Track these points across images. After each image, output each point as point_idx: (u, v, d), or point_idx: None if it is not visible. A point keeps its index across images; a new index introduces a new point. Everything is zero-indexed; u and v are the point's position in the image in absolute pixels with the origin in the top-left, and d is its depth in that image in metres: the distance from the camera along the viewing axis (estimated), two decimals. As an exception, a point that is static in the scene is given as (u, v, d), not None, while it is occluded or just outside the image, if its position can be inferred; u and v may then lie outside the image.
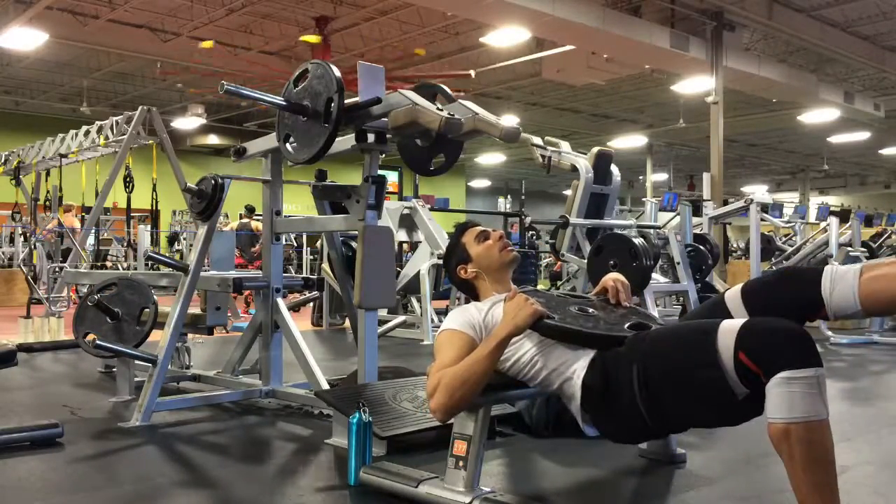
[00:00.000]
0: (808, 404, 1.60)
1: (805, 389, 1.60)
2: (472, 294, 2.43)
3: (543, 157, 6.18)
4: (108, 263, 12.60)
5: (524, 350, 2.08)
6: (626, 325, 2.10)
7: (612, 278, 2.31)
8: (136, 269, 9.84)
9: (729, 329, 1.72)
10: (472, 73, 12.29)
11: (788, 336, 1.66)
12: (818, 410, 1.61)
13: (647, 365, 1.85)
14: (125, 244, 12.26)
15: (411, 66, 13.00)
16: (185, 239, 16.77)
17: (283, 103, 2.95)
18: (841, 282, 1.83)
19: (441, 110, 2.80)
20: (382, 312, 6.70)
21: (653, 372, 1.84)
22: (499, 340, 1.96)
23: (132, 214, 8.29)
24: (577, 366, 2.00)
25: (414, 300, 7.61)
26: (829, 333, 6.55)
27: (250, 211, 11.56)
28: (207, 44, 11.31)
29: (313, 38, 11.60)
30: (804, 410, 1.59)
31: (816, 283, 1.86)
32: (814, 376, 1.61)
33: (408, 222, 7.22)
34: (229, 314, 4.41)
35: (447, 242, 2.59)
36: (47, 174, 7.99)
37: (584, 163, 6.19)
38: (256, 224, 10.68)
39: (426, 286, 6.57)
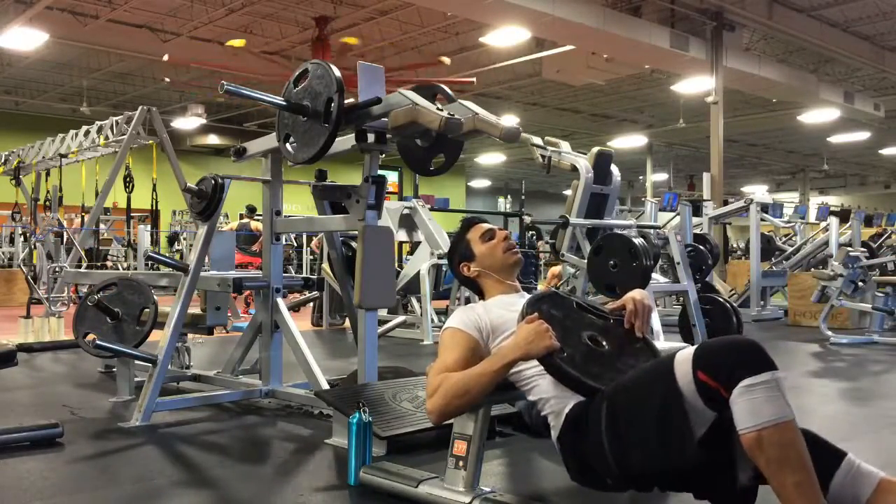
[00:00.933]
0: (774, 407, 1.62)
1: (767, 393, 1.62)
2: (475, 290, 2.41)
3: (543, 157, 6.18)
4: (109, 263, 12.60)
5: (527, 366, 2.06)
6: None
7: (635, 300, 2.14)
8: (136, 269, 9.84)
9: (684, 357, 1.75)
10: (474, 80, 12.29)
11: (739, 347, 1.70)
12: (784, 412, 1.63)
13: (613, 401, 1.86)
14: (125, 244, 12.27)
15: (422, 69, 12.96)
16: (185, 239, 16.78)
17: (283, 103, 2.95)
18: (854, 482, 1.75)
19: (441, 110, 2.80)
20: (382, 312, 6.70)
21: (618, 405, 1.84)
22: (506, 362, 1.94)
23: (132, 214, 8.29)
24: (568, 403, 1.99)
25: (414, 300, 7.62)
26: (829, 333, 6.55)
27: (251, 211, 11.55)
28: (239, 42, 11.23)
29: (351, 40, 11.50)
30: (771, 413, 1.61)
31: (833, 466, 1.76)
32: (772, 379, 1.64)
33: (408, 222, 7.22)
34: (229, 314, 4.41)
35: (448, 242, 2.58)
36: (47, 174, 7.99)
37: (584, 163, 6.19)
38: (256, 224, 10.68)
39: (426, 286, 6.57)
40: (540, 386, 2.04)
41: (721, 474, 1.76)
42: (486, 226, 2.42)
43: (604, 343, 2.07)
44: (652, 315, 2.20)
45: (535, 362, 2.00)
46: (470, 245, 2.38)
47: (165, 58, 11.80)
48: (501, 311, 2.17)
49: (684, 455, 1.72)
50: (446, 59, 11.75)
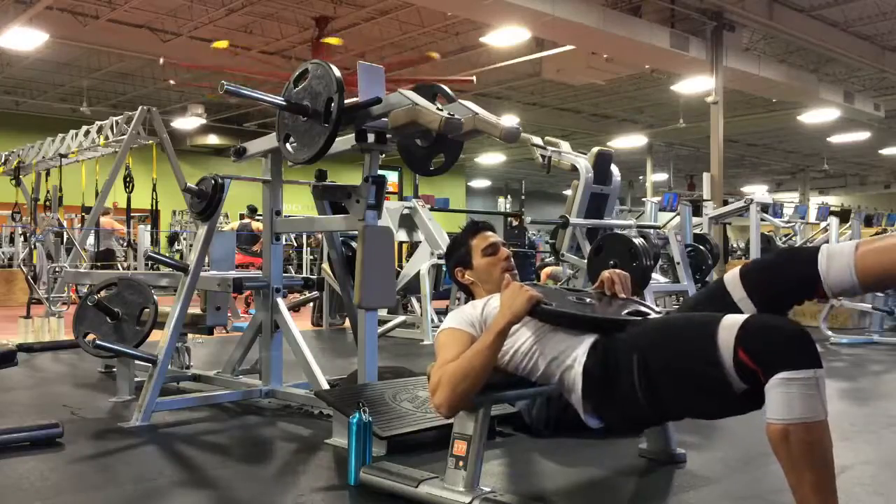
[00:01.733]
0: (807, 405, 1.59)
1: (804, 391, 1.59)
2: (466, 293, 2.43)
3: (543, 157, 6.19)
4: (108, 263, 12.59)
5: (522, 340, 2.07)
6: (625, 312, 2.10)
7: (610, 271, 2.29)
8: (135, 269, 9.84)
9: (729, 325, 1.71)
10: (474, 79, 12.29)
11: (788, 336, 1.65)
12: (817, 411, 1.60)
13: (646, 356, 1.84)
14: (125, 244, 12.26)
15: (416, 67, 12.96)
16: (185, 239, 16.78)
17: (283, 103, 2.95)
18: (837, 258, 1.84)
19: (441, 110, 2.80)
20: (382, 312, 6.70)
21: (652, 364, 1.83)
22: (498, 329, 1.95)
23: (132, 214, 8.29)
24: (578, 352, 1.98)
25: (414, 300, 7.62)
26: (830, 333, 6.55)
27: (252, 211, 11.56)
28: (222, 43, 11.25)
29: (334, 41, 11.53)
30: (803, 411, 1.59)
31: (813, 262, 1.86)
32: (813, 377, 1.60)
33: (408, 222, 7.22)
34: (229, 314, 4.41)
35: (447, 242, 2.58)
36: (47, 174, 8.00)
37: (584, 163, 6.19)
38: (257, 224, 10.68)
39: (426, 286, 6.57)
40: (542, 353, 2.04)
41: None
42: (491, 238, 2.40)
43: (588, 300, 2.19)
44: (628, 282, 2.29)
45: (529, 333, 2.06)
46: (470, 252, 2.38)
47: (161, 61, 11.82)
48: (491, 302, 2.19)
49: (728, 410, 1.79)
50: (436, 54, 11.74)
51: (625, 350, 1.89)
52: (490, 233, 2.42)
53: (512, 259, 2.40)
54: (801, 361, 1.61)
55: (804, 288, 1.92)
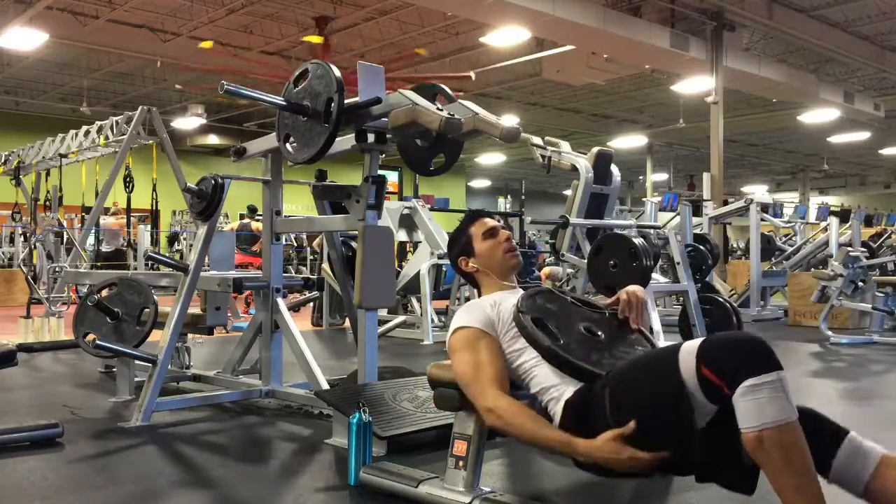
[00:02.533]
0: (777, 408, 1.60)
1: (771, 394, 1.61)
2: (472, 284, 2.39)
3: (543, 157, 6.19)
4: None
5: (524, 359, 2.06)
6: (630, 359, 2.02)
7: (628, 293, 2.17)
8: (135, 269, 9.84)
9: (689, 349, 1.73)
10: (472, 74, 12.28)
11: (746, 345, 1.68)
12: (788, 413, 1.61)
13: (616, 390, 1.85)
14: (125, 244, 12.26)
15: (411, 67, 12.97)
16: (185, 239, 16.78)
17: (283, 103, 2.95)
18: (857, 459, 1.76)
19: (441, 110, 2.80)
20: (382, 312, 6.70)
21: (621, 397, 1.83)
22: (562, 449, 1.89)
23: (132, 214, 8.28)
24: (568, 389, 1.98)
25: (414, 300, 7.62)
26: (830, 333, 6.55)
27: (252, 211, 11.56)
28: (207, 44, 11.29)
29: (315, 39, 11.57)
30: (774, 415, 1.60)
31: (836, 444, 1.78)
32: (777, 379, 1.62)
33: (408, 222, 7.22)
34: (229, 314, 4.41)
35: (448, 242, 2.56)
36: (47, 174, 7.99)
37: (584, 163, 6.19)
38: (257, 224, 10.68)
39: (426, 286, 6.57)
40: (539, 376, 2.04)
41: (724, 458, 1.76)
42: (490, 222, 2.37)
43: (599, 333, 2.09)
44: (647, 308, 2.21)
45: (533, 355, 2.03)
46: (471, 240, 2.35)
47: (158, 64, 11.82)
48: (504, 302, 2.15)
49: (688, 444, 1.72)
50: (422, 50, 11.73)
51: (601, 386, 1.89)
52: (488, 218, 2.40)
53: (513, 240, 2.36)
54: (763, 366, 1.63)
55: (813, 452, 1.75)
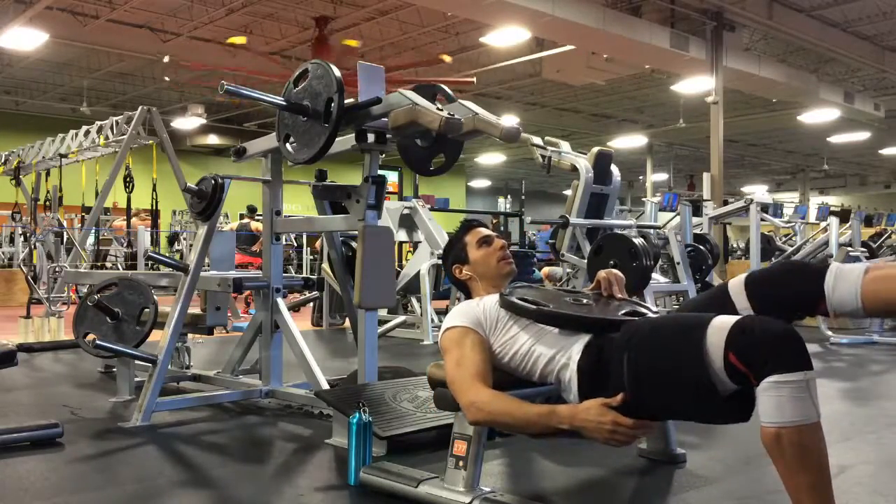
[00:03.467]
0: (799, 408, 1.59)
1: (795, 393, 1.59)
2: (464, 292, 2.42)
3: (543, 157, 6.19)
4: (108, 264, 12.60)
5: (520, 343, 2.07)
6: (621, 312, 2.09)
7: (606, 271, 2.30)
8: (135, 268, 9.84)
9: (719, 327, 1.70)
10: (474, 79, 12.28)
11: (778, 339, 1.64)
12: (809, 414, 1.60)
13: (636, 356, 1.84)
14: (125, 244, 12.26)
15: (420, 68, 12.94)
16: (185, 239, 16.77)
17: (283, 103, 2.95)
18: (845, 280, 1.84)
19: (441, 110, 2.80)
20: (382, 312, 6.70)
21: (641, 364, 1.83)
22: (550, 422, 1.90)
23: (132, 215, 8.28)
24: (573, 350, 1.99)
25: (414, 300, 7.62)
26: (830, 333, 6.55)
27: (252, 211, 11.56)
28: (240, 39, 11.22)
29: (352, 42, 11.53)
30: (795, 414, 1.59)
31: (820, 279, 1.86)
32: (804, 380, 1.60)
33: (408, 222, 7.22)
34: (229, 314, 4.41)
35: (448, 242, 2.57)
36: (47, 174, 7.99)
37: (584, 163, 6.19)
38: (257, 224, 10.68)
39: (426, 286, 6.57)
40: (539, 352, 2.04)
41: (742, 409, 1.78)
42: (484, 231, 2.41)
43: (585, 301, 2.20)
44: (623, 283, 2.30)
45: (527, 336, 2.07)
46: (466, 248, 2.38)
47: (166, 59, 11.80)
48: (490, 302, 2.19)
49: (712, 415, 1.79)
50: (447, 58, 11.72)
51: (616, 349, 1.89)
52: (482, 227, 2.45)
53: (507, 249, 2.40)
54: (792, 364, 1.60)
55: (807, 303, 1.91)
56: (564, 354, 2.00)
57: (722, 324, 1.71)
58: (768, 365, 1.61)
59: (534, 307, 2.03)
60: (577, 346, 1.99)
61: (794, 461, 1.59)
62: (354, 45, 11.49)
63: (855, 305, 1.83)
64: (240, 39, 11.21)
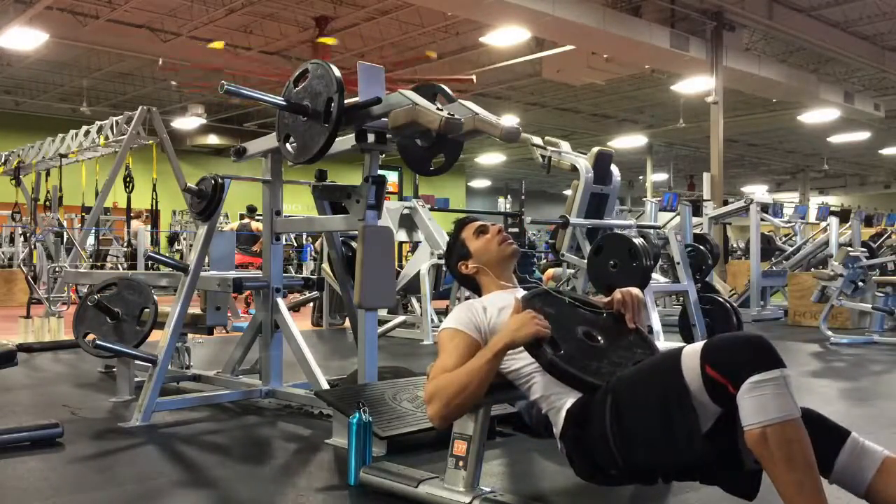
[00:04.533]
0: (781, 404, 1.62)
1: (774, 390, 1.62)
2: (474, 289, 2.40)
3: (543, 157, 6.18)
4: (108, 264, 12.60)
5: (523, 363, 2.06)
6: (631, 365, 2.02)
7: (624, 293, 2.18)
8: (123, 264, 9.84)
9: (691, 351, 1.75)
10: (474, 77, 12.28)
11: (749, 344, 1.70)
12: (791, 410, 1.63)
13: (618, 393, 1.85)
14: (125, 244, 12.26)
15: (411, 68, 12.96)
16: (185, 239, 16.78)
17: (283, 103, 2.95)
18: (859, 460, 1.77)
19: (441, 110, 2.79)
20: (382, 312, 6.69)
21: (623, 400, 1.83)
22: (495, 351, 1.93)
23: (132, 214, 8.29)
24: (568, 400, 1.98)
25: (414, 300, 7.62)
26: (830, 333, 6.55)
27: (251, 211, 11.56)
28: (218, 44, 11.27)
29: (329, 40, 11.57)
30: (778, 411, 1.61)
31: (838, 445, 1.79)
32: (780, 376, 1.64)
33: (408, 222, 7.21)
34: (229, 314, 4.40)
35: (448, 242, 2.56)
36: (47, 174, 7.99)
37: (584, 163, 6.18)
38: (257, 224, 10.68)
39: (426, 286, 6.56)
40: (538, 383, 2.04)
41: (727, 462, 1.76)
42: (477, 223, 2.42)
43: (598, 337, 2.08)
44: (645, 307, 2.24)
45: (530, 359, 2.01)
46: (465, 243, 2.38)
47: (161, 62, 11.82)
48: (500, 311, 2.15)
49: (691, 449, 1.72)
50: (433, 53, 11.71)
51: (602, 393, 1.89)
52: (475, 221, 2.44)
53: (504, 231, 2.39)
54: (766, 363, 1.65)
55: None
56: (559, 399, 2.00)
57: (693, 348, 1.76)
58: (745, 368, 1.65)
59: (547, 357, 1.92)
60: (572, 397, 1.98)
61: (782, 459, 1.60)
62: (331, 43, 11.52)
63: (857, 490, 1.78)
64: (217, 45, 11.24)
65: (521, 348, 2.02)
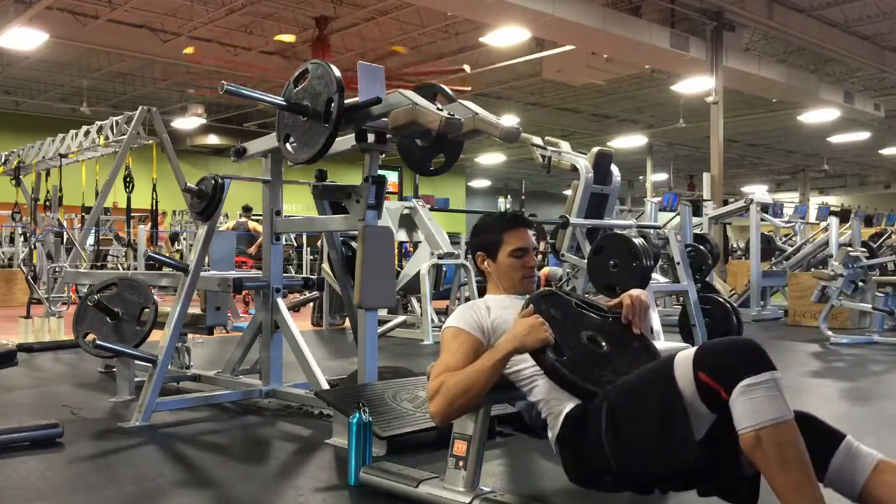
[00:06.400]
0: (773, 407, 1.63)
1: (767, 393, 1.63)
2: (480, 274, 2.42)
3: (543, 157, 6.18)
4: (109, 264, 12.60)
5: (525, 365, 2.06)
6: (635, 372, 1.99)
7: (631, 297, 2.15)
8: (135, 268, 9.84)
9: (684, 358, 1.76)
10: (468, 67, 12.21)
11: (740, 348, 1.72)
12: (784, 412, 1.64)
13: (613, 400, 1.86)
14: (125, 244, 12.26)
15: (394, 63, 12.92)
16: (185, 239, 16.78)
17: (283, 103, 2.95)
18: (853, 463, 1.76)
19: (441, 110, 2.80)
20: (382, 312, 6.70)
21: (619, 407, 1.84)
22: (502, 355, 1.94)
23: (132, 214, 8.28)
24: (568, 405, 1.99)
25: (414, 300, 7.62)
26: (830, 333, 6.55)
27: (247, 210, 11.55)
28: (189, 50, 11.34)
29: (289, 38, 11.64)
30: (771, 412, 1.62)
31: (832, 447, 1.78)
32: (772, 379, 1.65)
33: (408, 222, 7.22)
34: (229, 314, 4.40)
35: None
36: (47, 174, 7.99)
37: (584, 163, 6.18)
38: (254, 224, 10.67)
39: (426, 286, 6.56)
40: (539, 387, 2.04)
41: (724, 470, 1.76)
42: (525, 241, 2.32)
43: (602, 343, 2.07)
44: (649, 312, 2.20)
45: (531, 363, 2.00)
46: (500, 246, 2.30)
47: (192, 50, 11.79)
48: (504, 311, 2.16)
49: (686, 456, 1.72)
50: (400, 48, 11.72)
51: (600, 400, 1.90)
52: (525, 231, 2.35)
53: (535, 266, 2.34)
54: (757, 367, 1.66)
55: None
56: (559, 404, 2.01)
57: (686, 355, 1.77)
58: (737, 372, 1.66)
59: (549, 363, 1.92)
60: (572, 402, 1.99)
61: (777, 460, 1.60)
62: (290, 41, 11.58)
63: (850, 493, 1.78)
64: (189, 50, 11.28)
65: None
